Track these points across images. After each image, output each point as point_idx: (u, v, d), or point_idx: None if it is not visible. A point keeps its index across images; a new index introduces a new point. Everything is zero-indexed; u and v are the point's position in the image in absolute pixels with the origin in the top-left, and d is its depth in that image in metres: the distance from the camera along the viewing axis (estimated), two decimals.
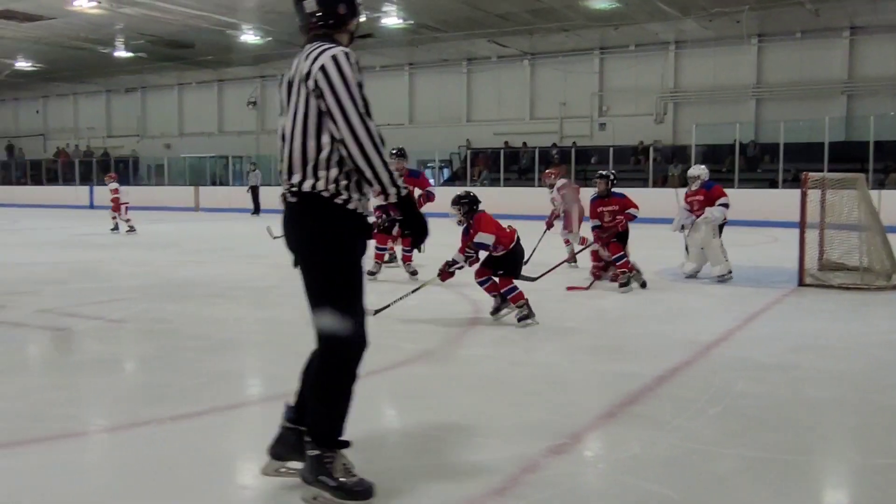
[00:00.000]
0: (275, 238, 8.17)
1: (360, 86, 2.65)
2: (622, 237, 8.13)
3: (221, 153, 29.63)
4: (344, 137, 2.60)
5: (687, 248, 8.96)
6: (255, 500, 2.95)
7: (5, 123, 36.94)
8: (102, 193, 28.55)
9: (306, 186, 2.69)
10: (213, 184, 29.21)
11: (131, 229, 15.54)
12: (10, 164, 35.16)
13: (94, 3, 18.95)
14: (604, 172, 8.56)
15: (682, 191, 9.27)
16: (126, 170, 31.10)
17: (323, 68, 2.61)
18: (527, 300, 6.17)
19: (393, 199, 2.68)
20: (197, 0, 18.66)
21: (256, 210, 23.91)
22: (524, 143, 24.59)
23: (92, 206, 27.51)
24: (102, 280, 8.95)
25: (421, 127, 26.83)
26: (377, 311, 5.85)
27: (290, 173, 2.74)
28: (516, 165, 24.37)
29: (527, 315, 6.13)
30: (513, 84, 25.73)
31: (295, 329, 5.93)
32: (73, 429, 3.80)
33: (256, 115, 29.91)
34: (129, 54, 25.65)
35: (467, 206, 6.16)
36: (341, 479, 2.71)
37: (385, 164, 2.63)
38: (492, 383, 4.49)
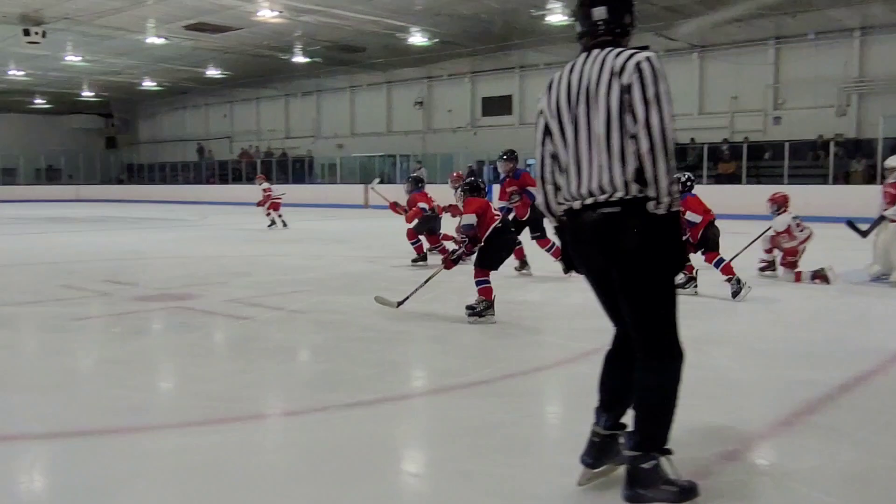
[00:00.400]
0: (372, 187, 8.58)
1: None
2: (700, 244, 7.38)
3: (390, 152, 30.57)
4: (653, 136, 2.52)
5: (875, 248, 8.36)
6: (423, 487, 3.06)
7: (196, 127, 39.87)
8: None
9: (633, 191, 2.59)
10: (381, 182, 30.18)
11: (284, 225, 16.48)
12: (200, 164, 37.90)
13: (276, 13, 20.08)
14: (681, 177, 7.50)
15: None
16: (302, 169, 32.79)
17: (640, 66, 2.57)
18: (492, 300, 6.06)
19: (663, 209, 2.57)
20: (369, 6, 19.35)
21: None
22: (692, 139, 23.74)
23: None
24: (283, 273, 9.48)
25: None
26: (399, 303, 6.32)
27: (598, 179, 2.64)
28: (684, 162, 23.57)
29: (480, 313, 6.02)
30: (681, 78, 24.88)
31: (462, 324, 6.06)
32: (259, 410, 4.09)
33: (423, 114, 30.62)
34: (306, 60, 26.98)
35: (467, 189, 6.57)
36: (680, 482, 2.68)
37: (669, 171, 2.55)
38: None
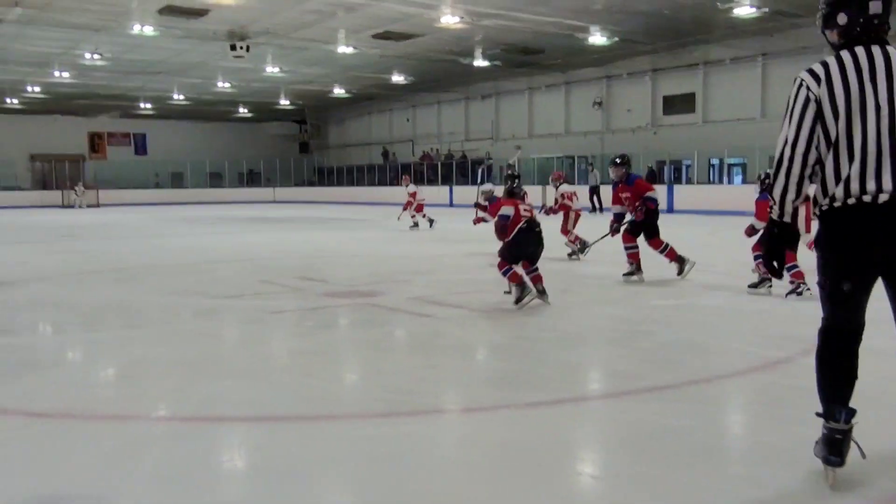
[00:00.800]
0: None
1: None
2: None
3: (568, 153, 30.35)
4: None
5: None
6: (601, 490, 3.02)
7: (381, 131, 41.49)
8: (461, 194, 30.81)
9: None
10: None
11: (430, 224, 17.39)
12: (385, 167, 39.39)
13: (458, 19, 20.51)
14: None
15: None
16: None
17: None
18: (522, 281, 6.81)
19: None
20: (549, 7, 19.32)
21: (594, 209, 24.27)
22: None
23: (451, 205, 29.80)
24: (464, 272, 9.66)
25: (772, 120, 25.06)
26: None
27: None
28: None
29: (520, 297, 6.73)
30: None
31: (642, 327, 5.92)
32: (440, 405, 4.20)
33: (601, 115, 30.16)
34: (486, 63, 27.34)
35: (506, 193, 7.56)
36: None
37: None
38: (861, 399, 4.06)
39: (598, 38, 22.98)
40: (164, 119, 42.75)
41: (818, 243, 2.80)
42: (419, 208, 17.57)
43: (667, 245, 8.44)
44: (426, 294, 7.74)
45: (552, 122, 32.23)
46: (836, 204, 2.69)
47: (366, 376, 4.87)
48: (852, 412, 2.77)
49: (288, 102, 38.75)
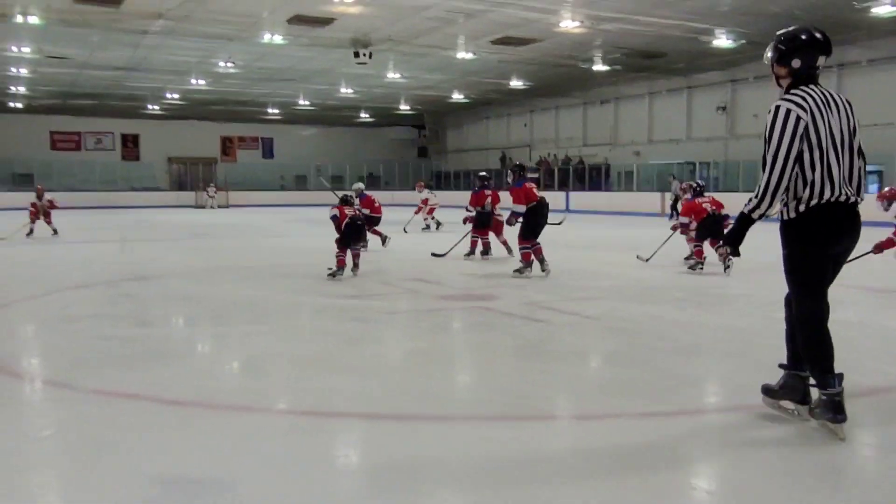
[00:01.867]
0: (557, 223, 10.01)
1: None
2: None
3: (689, 159, 29.50)
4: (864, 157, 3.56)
5: None
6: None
7: (499, 136, 41.54)
8: (578, 199, 30.51)
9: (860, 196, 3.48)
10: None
11: (437, 226, 18.34)
12: (502, 171, 39.42)
13: (578, 24, 20.29)
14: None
15: None
16: (599, 177, 32.80)
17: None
18: (531, 261, 9.32)
19: None
20: (672, 9, 18.84)
21: (672, 216, 23.81)
22: None
23: (567, 210, 29.53)
24: (578, 278, 9.55)
25: None
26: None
27: (857, 184, 3.47)
28: None
29: (520, 270, 9.43)
30: None
31: (761, 339, 5.68)
32: (552, 411, 4.16)
33: (726, 119, 29.14)
34: (605, 68, 26.92)
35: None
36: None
37: None
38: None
39: (723, 41, 22.21)
40: (290, 124, 44.32)
41: (795, 242, 3.49)
42: (431, 211, 19.07)
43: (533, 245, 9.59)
44: (541, 299, 7.69)
45: (673, 128, 31.39)
46: (822, 202, 3.38)
47: (479, 379, 4.89)
48: (841, 376, 3.43)
49: (408, 107, 39.44)
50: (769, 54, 3.56)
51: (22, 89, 32.61)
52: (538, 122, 39.06)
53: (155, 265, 11.26)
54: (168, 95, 34.15)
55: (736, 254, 3.66)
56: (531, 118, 39.30)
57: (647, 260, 10.66)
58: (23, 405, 4.38)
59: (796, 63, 3.46)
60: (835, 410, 3.37)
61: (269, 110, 39.69)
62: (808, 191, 3.39)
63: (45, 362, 5.36)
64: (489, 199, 11.97)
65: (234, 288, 8.84)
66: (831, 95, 3.44)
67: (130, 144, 42.55)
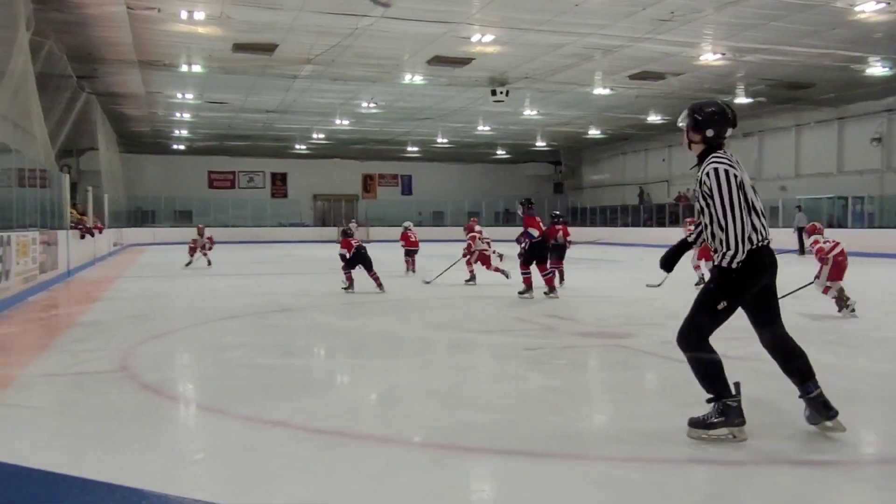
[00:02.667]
0: (655, 286, 8.33)
1: None
2: None
3: (840, 193, 27.90)
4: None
5: None
6: None
7: (636, 171, 40.83)
8: None
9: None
10: (830, 226, 27.65)
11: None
12: (639, 207, 38.67)
13: (719, 56, 19.77)
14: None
15: None
16: None
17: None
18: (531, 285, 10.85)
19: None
20: (820, 38, 18.01)
21: (801, 251, 23.25)
22: None
23: (801, 252, 28.51)
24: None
25: None
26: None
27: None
28: None
29: (522, 292, 11.10)
30: None
31: None
32: (692, 454, 3.99)
33: (881, 152, 27.40)
34: (748, 100, 26.02)
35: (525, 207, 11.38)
36: None
37: None
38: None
39: (877, 69, 21.01)
40: (428, 161, 45.35)
41: (729, 282, 3.99)
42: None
43: (551, 271, 11.57)
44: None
45: (822, 161, 29.81)
46: (754, 246, 3.95)
47: (617, 419, 4.76)
48: (738, 384, 4.13)
49: (544, 144, 39.50)
50: (683, 122, 4.20)
51: (184, 132, 35.12)
52: (677, 156, 38.10)
53: (300, 298, 11.72)
54: (314, 136, 35.80)
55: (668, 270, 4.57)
56: (669, 153, 38.41)
57: (659, 286, 10.32)
58: (178, 428, 4.64)
59: (710, 133, 4.08)
60: (735, 415, 4.12)
61: (409, 148, 40.77)
62: (755, 237, 3.95)
63: (200, 388, 5.67)
64: (560, 233, 13.33)
65: (373, 321, 9.07)
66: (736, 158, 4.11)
67: (279, 182, 44.77)
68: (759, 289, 4.05)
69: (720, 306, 4.02)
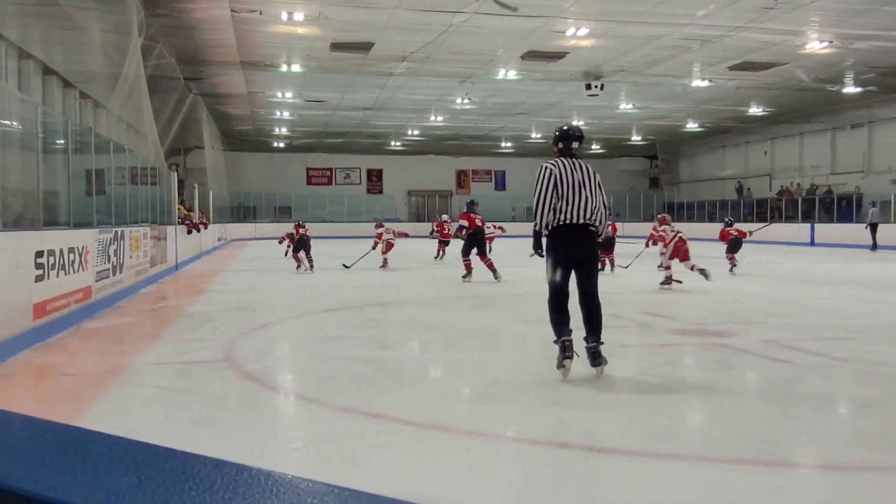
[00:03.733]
0: (347, 266, 12.03)
1: None
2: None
3: None
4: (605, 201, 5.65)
5: None
6: None
7: (735, 165, 39.54)
8: (824, 232, 28.21)
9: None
10: None
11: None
12: (738, 202, 37.44)
13: (826, 44, 18.92)
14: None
15: None
16: (849, 207, 30.10)
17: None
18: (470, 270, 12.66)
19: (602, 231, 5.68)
20: None
21: (874, 246, 23.23)
22: None
23: (812, 244, 27.40)
24: (823, 317, 8.82)
25: None
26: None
27: (588, 213, 5.50)
28: None
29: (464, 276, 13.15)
30: None
31: None
32: (795, 458, 3.85)
33: None
34: (858, 89, 24.82)
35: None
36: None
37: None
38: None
39: None
40: (521, 157, 45.16)
41: (548, 248, 5.56)
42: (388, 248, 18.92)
43: (489, 260, 13.71)
44: (783, 337, 7.18)
45: None
46: (560, 224, 5.46)
47: (715, 419, 4.63)
48: (571, 331, 5.50)
49: (639, 138, 38.74)
50: (553, 142, 5.89)
51: (284, 130, 36.10)
52: (780, 149, 36.69)
53: (395, 292, 11.89)
54: (409, 132, 36.20)
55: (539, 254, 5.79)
56: (772, 146, 37.02)
57: (626, 267, 14.94)
58: (277, 417, 4.78)
59: (560, 146, 5.79)
60: (564, 353, 5.52)
61: (502, 144, 40.72)
62: (557, 216, 5.50)
63: (299, 378, 5.82)
64: (609, 227, 15.40)
65: (467, 315, 9.11)
66: (578, 163, 5.63)
67: (375, 179, 45.52)
68: (571, 257, 5.55)
69: (549, 263, 5.61)
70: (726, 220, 17.43)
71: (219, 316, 8.96)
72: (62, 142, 9.36)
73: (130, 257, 11.28)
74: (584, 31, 18.01)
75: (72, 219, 8.86)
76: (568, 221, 5.45)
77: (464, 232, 13.86)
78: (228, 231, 32.88)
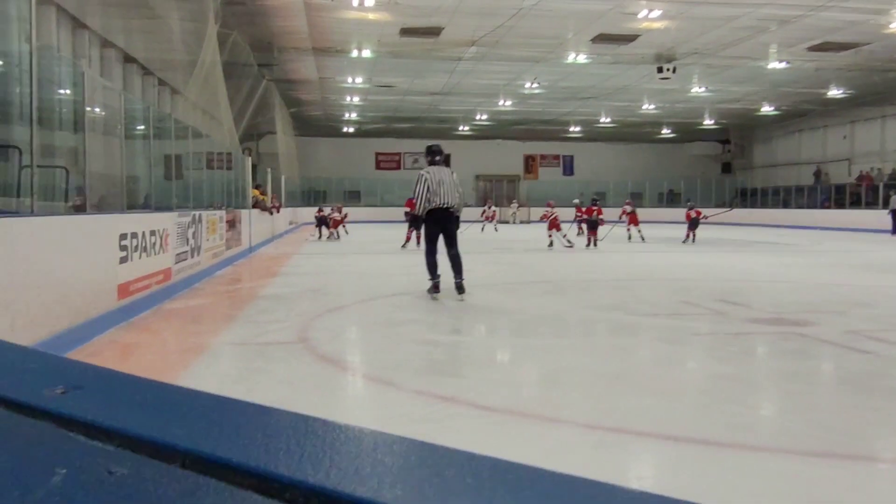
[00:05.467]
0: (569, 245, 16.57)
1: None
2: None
3: None
4: (461, 194, 9.01)
5: None
6: None
7: (813, 150, 38.27)
8: None
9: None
10: None
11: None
12: (815, 188, 36.26)
13: None
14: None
15: None
16: None
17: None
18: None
19: (459, 212, 9.09)
20: None
21: (894, 231, 23.70)
22: None
23: (894, 232, 26.32)
24: None
25: None
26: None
27: (453, 201, 8.82)
28: None
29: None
30: None
31: None
32: (884, 454, 3.72)
33: None
34: None
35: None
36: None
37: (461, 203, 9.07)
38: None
39: None
40: (590, 141, 44.64)
41: (426, 222, 9.04)
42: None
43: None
44: (866, 328, 6.93)
45: None
46: (433, 206, 8.76)
47: (794, 410, 4.51)
48: (439, 275, 8.90)
49: (712, 122, 37.83)
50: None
51: (353, 115, 36.48)
52: (860, 133, 35.35)
53: (467, 277, 11.89)
54: (477, 117, 36.16)
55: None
56: (852, 129, 35.68)
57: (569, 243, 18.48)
58: (350, 398, 4.85)
59: (428, 159, 8.95)
60: (435, 288, 8.93)
61: (571, 128, 40.31)
62: (430, 203, 8.72)
63: (372, 361, 5.89)
64: (595, 212, 19.20)
65: (538, 301, 9.07)
66: (442, 169, 8.83)
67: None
68: (440, 229, 8.89)
69: (427, 233, 9.11)
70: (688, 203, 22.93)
71: (293, 298, 9.13)
72: (143, 127, 9.65)
73: (207, 240, 11.58)
74: (656, 13, 17.63)
75: (153, 202, 9.13)
76: (436, 206, 8.73)
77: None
78: (299, 215, 33.44)
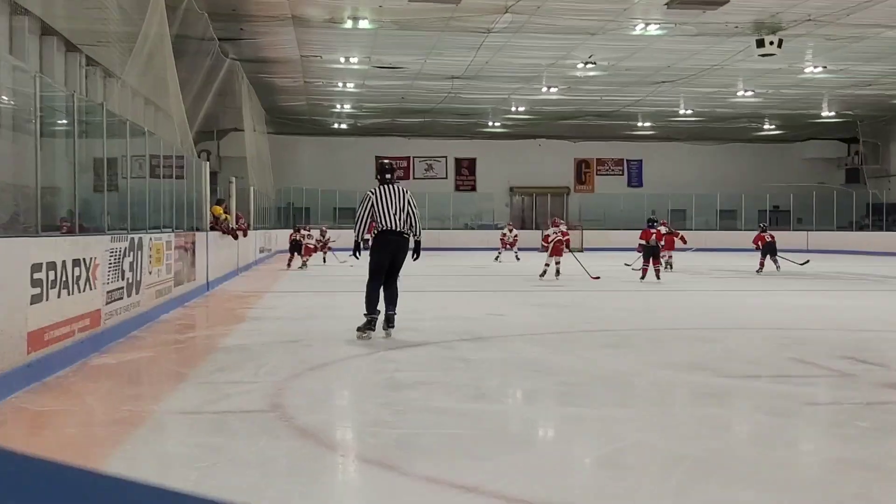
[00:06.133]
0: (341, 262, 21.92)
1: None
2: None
3: None
4: (417, 217, 10.52)
5: None
6: None
7: None
8: None
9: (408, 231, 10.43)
10: None
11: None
12: None
13: None
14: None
15: None
16: None
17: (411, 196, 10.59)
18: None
19: (418, 238, 10.66)
20: None
21: None
22: None
23: None
24: None
25: None
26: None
27: (406, 225, 10.28)
28: None
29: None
30: None
31: None
32: None
33: None
34: None
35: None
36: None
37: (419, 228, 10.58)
38: None
39: None
40: (664, 141, 44.62)
41: (372, 248, 10.53)
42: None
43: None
44: None
45: None
46: (381, 231, 10.26)
47: None
48: (378, 312, 10.18)
49: (832, 114, 37.71)
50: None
51: (347, 107, 36.81)
52: None
53: (495, 323, 11.89)
54: (512, 108, 36.24)
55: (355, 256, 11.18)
56: None
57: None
58: (341, 487, 4.84)
59: (379, 177, 10.45)
60: (367, 326, 10.07)
61: (639, 124, 40.35)
62: (378, 226, 10.23)
63: (369, 437, 5.86)
64: (654, 236, 20.30)
65: (593, 356, 9.04)
66: (394, 188, 10.27)
67: (466, 171, 45.65)
68: (390, 258, 10.18)
69: (372, 263, 10.27)
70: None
71: (263, 351, 9.15)
72: (65, 122, 9.72)
73: (150, 273, 11.65)
74: None
75: (77, 222, 9.20)
76: (385, 229, 10.12)
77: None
78: (273, 239, 33.54)
